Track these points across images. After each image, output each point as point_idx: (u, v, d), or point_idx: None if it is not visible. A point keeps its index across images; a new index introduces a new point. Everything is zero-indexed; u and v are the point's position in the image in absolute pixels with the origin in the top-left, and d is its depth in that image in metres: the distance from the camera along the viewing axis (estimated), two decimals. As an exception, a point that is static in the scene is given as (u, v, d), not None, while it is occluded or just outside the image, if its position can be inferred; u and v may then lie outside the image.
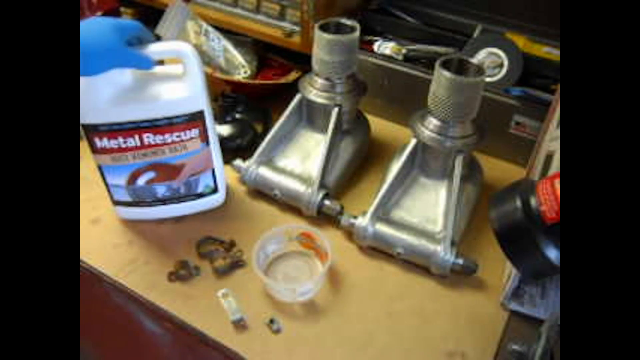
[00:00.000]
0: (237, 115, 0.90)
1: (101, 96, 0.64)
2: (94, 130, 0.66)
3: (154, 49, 0.64)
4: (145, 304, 0.68)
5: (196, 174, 0.74)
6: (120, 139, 0.67)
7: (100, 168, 0.71)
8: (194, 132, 0.69)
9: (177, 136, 0.69)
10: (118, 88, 0.65)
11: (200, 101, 0.68)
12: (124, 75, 0.65)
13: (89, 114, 0.64)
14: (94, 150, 0.68)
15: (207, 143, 0.72)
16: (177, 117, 0.67)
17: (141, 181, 0.72)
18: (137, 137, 0.67)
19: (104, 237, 0.76)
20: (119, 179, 0.71)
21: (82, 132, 0.66)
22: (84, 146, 0.67)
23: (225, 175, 0.79)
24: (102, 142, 0.67)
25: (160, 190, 0.74)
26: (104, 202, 0.76)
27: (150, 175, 0.72)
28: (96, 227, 0.78)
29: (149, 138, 0.68)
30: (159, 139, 0.68)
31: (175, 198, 0.75)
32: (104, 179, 0.72)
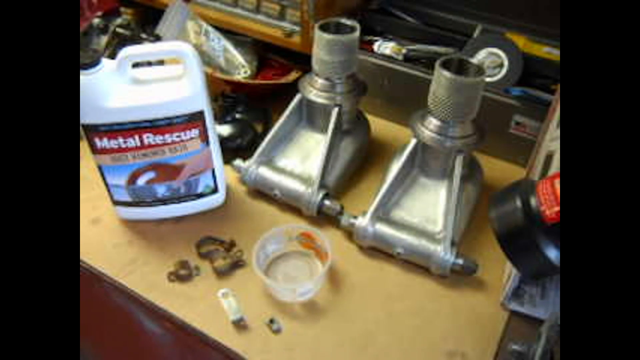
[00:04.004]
0: (237, 115, 0.90)
1: (101, 96, 0.64)
2: (94, 130, 0.66)
3: (154, 49, 0.64)
4: (145, 304, 0.68)
5: (196, 174, 0.74)
6: (120, 139, 0.67)
7: (100, 168, 0.71)
8: (194, 132, 0.69)
9: (177, 136, 0.69)
10: (118, 88, 0.65)
11: (200, 101, 0.68)
12: (124, 76, 0.65)
13: (89, 114, 0.64)
14: (94, 150, 0.68)
15: (207, 143, 0.72)
16: (177, 117, 0.67)
17: (141, 181, 0.72)
18: (137, 137, 0.67)
19: (104, 237, 0.76)
20: (119, 179, 0.71)
21: (82, 132, 0.66)
22: (84, 146, 0.67)
23: (225, 175, 0.79)
24: (102, 142, 0.67)
25: (160, 190, 0.74)
26: (104, 202, 0.76)
27: (150, 175, 0.72)
28: (96, 227, 0.78)
29: (149, 138, 0.68)
30: (159, 139, 0.68)
31: (175, 198, 0.75)
32: (104, 179, 0.72)
